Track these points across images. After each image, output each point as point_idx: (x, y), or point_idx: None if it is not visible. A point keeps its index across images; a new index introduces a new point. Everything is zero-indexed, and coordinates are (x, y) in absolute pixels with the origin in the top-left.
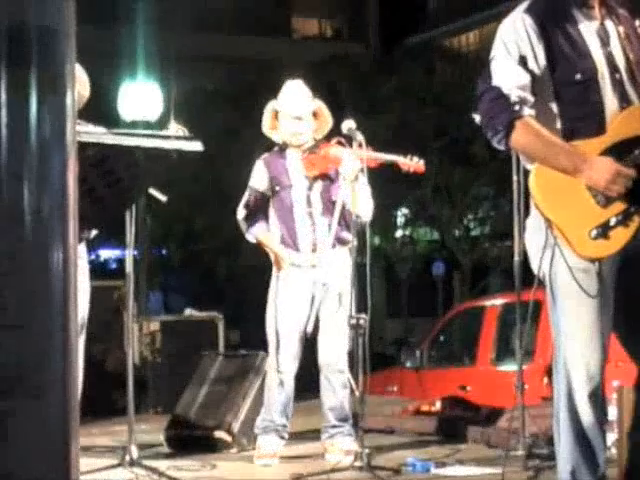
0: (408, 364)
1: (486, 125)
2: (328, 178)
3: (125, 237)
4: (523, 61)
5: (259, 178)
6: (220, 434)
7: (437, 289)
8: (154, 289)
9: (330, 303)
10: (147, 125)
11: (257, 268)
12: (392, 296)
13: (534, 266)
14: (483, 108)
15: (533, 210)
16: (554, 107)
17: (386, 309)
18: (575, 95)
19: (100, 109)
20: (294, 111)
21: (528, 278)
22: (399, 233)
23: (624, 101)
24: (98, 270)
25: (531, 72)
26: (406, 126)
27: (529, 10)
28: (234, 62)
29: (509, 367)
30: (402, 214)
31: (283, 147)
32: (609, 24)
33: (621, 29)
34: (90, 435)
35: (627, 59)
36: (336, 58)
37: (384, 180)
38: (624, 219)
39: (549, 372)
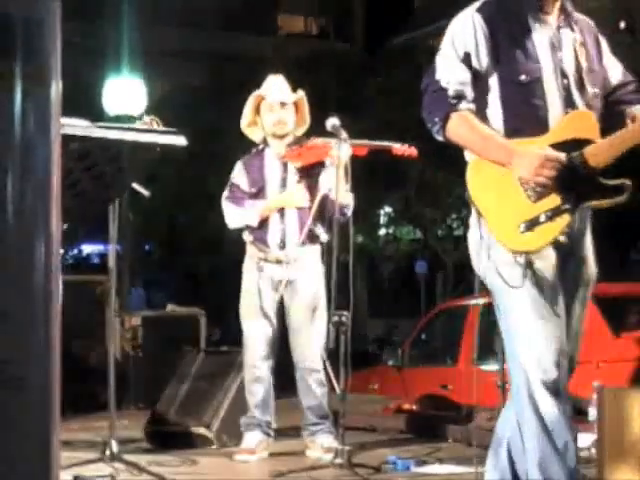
0: (390, 362)
1: (426, 117)
2: (308, 177)
3: (108, 232)
4: (467, 58)
5: (238, 175)
6: (201, 430)
7: (420, 288)
8: (136, 285)
9: (300, 302)
10: (131, 120)
11: (239, 265)
12: (375, 294)
13: (474, 264)
14: (425, 100)
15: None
16: (498, 106)
17: (368, 307)
18: (519, 96)
19: (85, 104)
20: (279, 97)
21: None
22: (382, 232)
23: (569, 107)
24: (81, 265)
25: (473, 69)
26: (390, 125)
27: (481, 9)
28: (219, 59)
29: (490, 366)
30: (385, 213)
31: (261, 148)
32: (565, 31)
33: (578, 37)
34: (72, 430)
35: (578, 66)
36: (321, 56)
37: (368, 179)
38: (553, 216)
39: None
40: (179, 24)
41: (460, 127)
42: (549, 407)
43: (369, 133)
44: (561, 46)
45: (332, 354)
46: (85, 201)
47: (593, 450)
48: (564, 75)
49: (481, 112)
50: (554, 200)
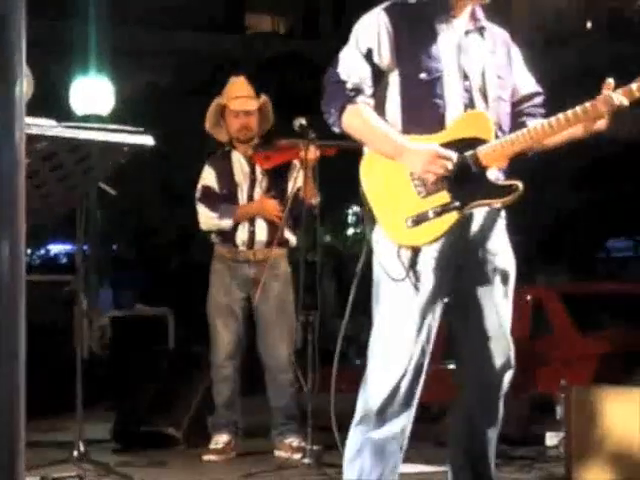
0: (358, 362)
1: (324, 108)
2: (276, 178)
3: (75, 232)
4: (369, 53)
5: (208, 177)
6: (169, 430)
7: None
8: (104, 285)
9: (268, 302)
10: (99, 120)
11: (207, 265)
12: (343, 294)
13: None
14: (325, 92)
15: None
16: (397, 102)
17: (336, 307)
18: (418, 93)
19: (52, 103)
20: (243, 106)
21: None
22: (350, 231)
23: (469, 108)
24: (48, 265)
25: (374, 65)
26: None
27: (387, 8)
28: (186, 58)
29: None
30: (353, 212)
31: (227, 148)
32: (474, 36)
33: (488, 44)
34: (38, 431)
35: (483, 71)
36: (289, 55)
37: (335, 178)
38: (441, 212)
39: None
40: (146, 23)
41: (354, 119)
42: (378, 405)
43: (337, 133)
44: (467, 49)
45: (300, 353)
46: (52, 201)
47: (561, 448)
48: (466, 77)
49: (380, 107)
50: (443, 197)
